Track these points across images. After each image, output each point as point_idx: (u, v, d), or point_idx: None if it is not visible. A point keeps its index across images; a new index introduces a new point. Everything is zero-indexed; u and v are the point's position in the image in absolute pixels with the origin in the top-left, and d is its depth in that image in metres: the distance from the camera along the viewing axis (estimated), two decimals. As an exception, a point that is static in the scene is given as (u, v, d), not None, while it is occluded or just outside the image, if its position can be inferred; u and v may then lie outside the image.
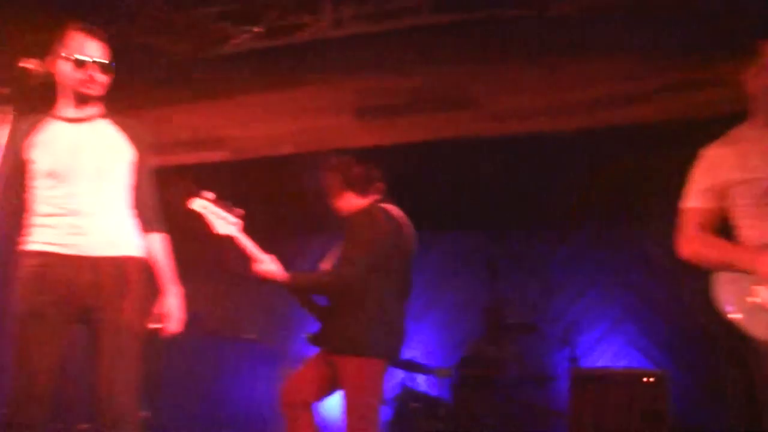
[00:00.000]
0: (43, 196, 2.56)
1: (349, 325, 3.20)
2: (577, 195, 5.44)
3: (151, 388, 2.73)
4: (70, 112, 2.65)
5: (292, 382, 3.37)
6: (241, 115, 5.16)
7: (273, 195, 5.45)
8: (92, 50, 2.59)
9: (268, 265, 3.25)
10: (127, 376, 2.52)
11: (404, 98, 4.92)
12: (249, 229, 3.24)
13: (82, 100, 2.63)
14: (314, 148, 5.02)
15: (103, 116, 2.69)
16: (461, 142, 5.12)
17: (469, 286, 6.14)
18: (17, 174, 2.58)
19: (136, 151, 2.66)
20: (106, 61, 2.62)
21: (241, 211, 3.25)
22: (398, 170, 5.51)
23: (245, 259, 3.27)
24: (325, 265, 3.44)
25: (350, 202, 3.43)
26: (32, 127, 2.62)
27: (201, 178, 3.81)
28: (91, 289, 2.51)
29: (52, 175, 2.55)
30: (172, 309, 2.64)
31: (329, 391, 3.32)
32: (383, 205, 3.42)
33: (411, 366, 5.13)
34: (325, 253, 3.51)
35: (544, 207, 6.10)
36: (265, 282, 3.26)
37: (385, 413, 5.05)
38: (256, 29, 4.68)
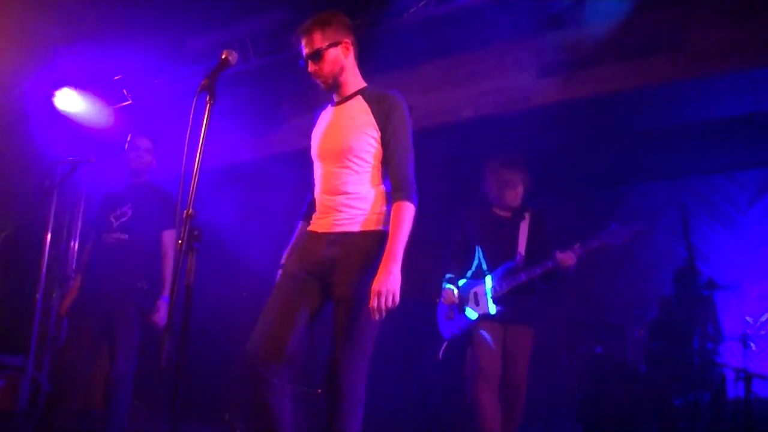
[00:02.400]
0: (315, 179, 2.77)
1: (539, 301, 4.04)
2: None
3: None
4: (334, 96, 2.79)
5: (486, 358, 3.88)
6: (421, 83, 5.17)
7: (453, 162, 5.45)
8: (303, 48, 2.70)
9: None
10: (351, 353, 2.48)
11: (586, 51, 4.69)
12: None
13: (326, 89, 2.76)
14: (495, 111, 4.94)
15: (362, 92, 2.73)
16: (651, 88, 4.78)
17: (660, 242, 5.85)
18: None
19: (378, 123, 2.63)
20: (310, 51, 2.66)
21: None
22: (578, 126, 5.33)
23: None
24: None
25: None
26: (318, 116, 2.85)
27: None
28: (329, 264, 2.58)
29: (313, 158, 2.77)
30: (376, 285, 2.43)
31: None
32: None
33: (600, 327, 5.04)
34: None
35: (744, 146, 5.58)
36: None
37: (574, 377, 5.05)
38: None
